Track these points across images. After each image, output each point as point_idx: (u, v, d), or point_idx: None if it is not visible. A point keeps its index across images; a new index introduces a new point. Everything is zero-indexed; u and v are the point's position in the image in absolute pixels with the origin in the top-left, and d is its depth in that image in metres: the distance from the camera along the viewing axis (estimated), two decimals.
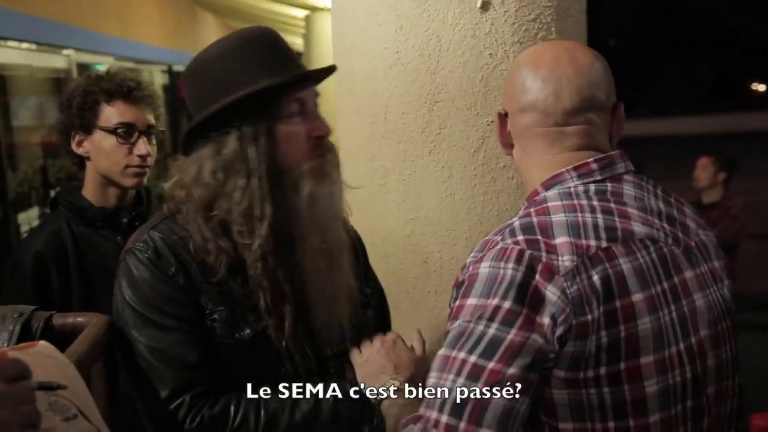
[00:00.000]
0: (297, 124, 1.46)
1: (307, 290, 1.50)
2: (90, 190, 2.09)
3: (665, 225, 1.27)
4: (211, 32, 13.07)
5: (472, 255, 1.26)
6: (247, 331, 1.45)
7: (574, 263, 1.16)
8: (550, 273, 1.16)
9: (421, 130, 1.94)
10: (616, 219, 1.22)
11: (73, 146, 2.06)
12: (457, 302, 1.20)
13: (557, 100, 1.30)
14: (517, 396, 1.12)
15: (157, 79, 9.90)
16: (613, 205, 1.24)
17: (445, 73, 1.91)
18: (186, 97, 1.53)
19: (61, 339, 1.34)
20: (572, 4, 1.97)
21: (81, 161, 2.09)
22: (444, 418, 1.12)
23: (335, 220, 1.53)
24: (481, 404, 1.11)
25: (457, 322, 1.18)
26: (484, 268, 1.19)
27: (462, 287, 1.21)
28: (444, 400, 1.13)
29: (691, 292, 1.24)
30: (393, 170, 1.98)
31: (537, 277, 1.15)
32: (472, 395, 1.11)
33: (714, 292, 1.29)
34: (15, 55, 5.24)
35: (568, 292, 1.15)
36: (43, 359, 1.17)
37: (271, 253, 1.44)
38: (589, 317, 1.15)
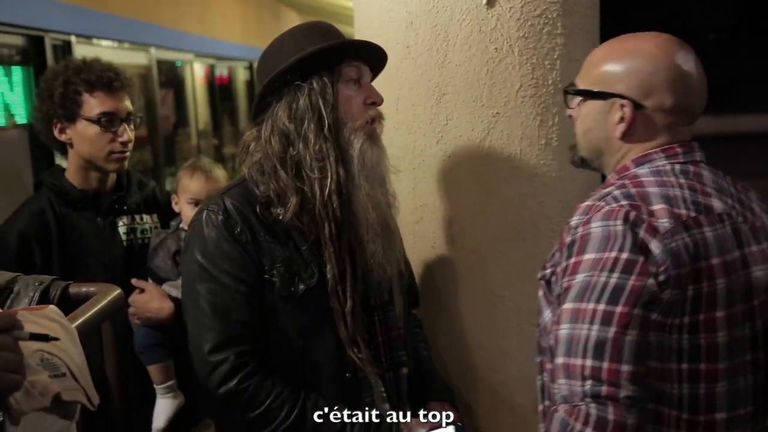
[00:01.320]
0: (354, 89, 1.71)
1: (361, 232, 1.69)
2: (73, 174, 2.23)
3: (736, 205, 1.44)
4: None
5: (575, 218, 1.42)
6: (301, 286, 1.64)
7: (672, 225, 1.34)
8: (654, 231, 1.34)
9: (429, 121, 2.03)
10: (699, 195, 1.40)
11: (56, 133, 2.19)
12: (572, 259, 1.37)
13: (700, 104, 1.49)
14: (644, 334, 1.31)
15: (239, 75, 10.25)
16: (696, 183, 1.42)
17: (452, 66, 1.99)
18: (259, 73, 1.76)
19: (76, 306, 1.50)
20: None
21: (63, 147, 2.23)
22: (588, 362, 1.30)
23: (381, 183, 1.73)
24: (618, 344, 1.30)
25: (579, 277, 1.35)
26: (596, 227, 1.36)
27: (574, 246, 1.38)
28: (584, 347, 1.31)
29: (752, 264, 1.40)
30: (403, 159, 2.07)
31: (642, 233, 1.33)
32: (609, 336, 1.29)
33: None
34: (100, 52, 5.57)
35: (668, 247, 1.32)
36: (49, 321, 1.31)
37: (339, 190, 1.65)
38: (683, 271, 1.32)
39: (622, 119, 1.47)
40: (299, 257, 1.66)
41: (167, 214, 2.37)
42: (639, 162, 1.47)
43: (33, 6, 4.43)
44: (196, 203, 2.21)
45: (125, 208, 2.30)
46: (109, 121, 2.18)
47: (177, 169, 7.07)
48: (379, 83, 2.10)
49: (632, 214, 1.35)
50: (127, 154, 2.24)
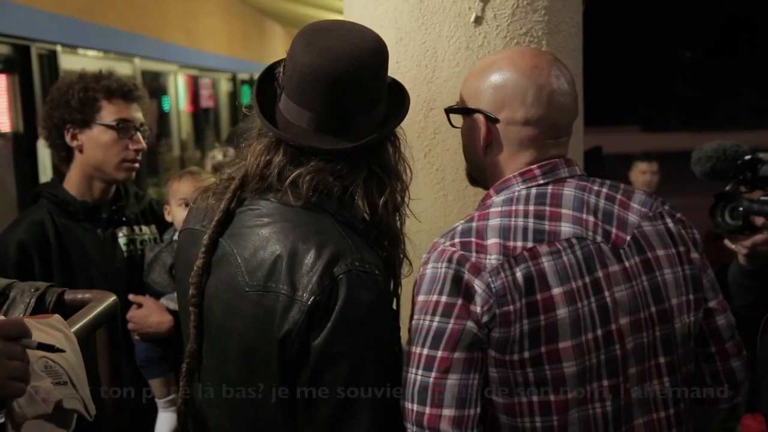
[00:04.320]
0: None
1: None
2: (73, 184, 2.26)
3: (599, 222, 1.41)
4: (278, 42, 13.43)
5: (423, 256, 1.44)
6: None
7: (500, 261, 1.33)
8: (477, 269, 1.34)
9: (417, 134, 2.08)
10: (546, 222, 1.38)
11: (67, 139, 2.23)
12: (413, 300, 1.40)
13: (561, 117, 1.46)
14: (466, 376, 1.32)
15: (222, 86, 10.27)
16: (547, 208, 1.40)
17: (440, 82, 2.05)
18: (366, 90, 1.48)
19: (72, 312, 1.53)
20: (564, 18, 2.08)
21: (69, 154, 2.25)
22: (414, 407, 1.32)
23: None
24: (439, 389, 1.31)
25: (414, 320, 1.38)
26: (429, 269, 1.38)
27: (416, 285, 1.41)
28: (411, 391, 1.33)
29: (612, 285, 1.38)
30: None
31: (467, 273, 1.33)
32: (431, 381, 1.31)
33: (643, 282, 1.41)
34: (85, 62, 5.59)
35: (492, 286, 1.32)
36: (54, 331, 1.34)
37: None
38: (512, 308, 1.31)
39: (482, 134, 1.47)
40: None
41: (163, 227, 2.40)
42: (498, 189, 1.47)
43: (19, 15, 4.45)
44: (187, 204, 2.25)
45: (124, 219, 2.33)
46: (125, 127, 2.24)
47: (159, 179, 7.10)
48: None
49: (457, 255, 1.35)
50: (137, 164, 2.29)
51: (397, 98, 1.58)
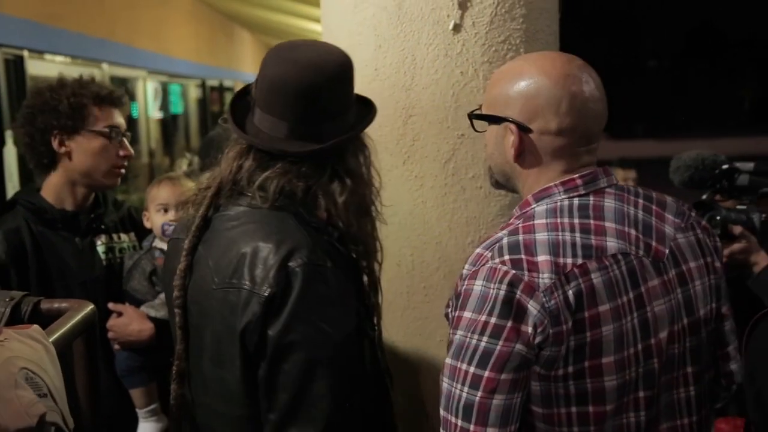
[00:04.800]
0: None
1: None
2: (51, 192, 2.22)
3: (640, 235, 1.41)
4: (247, 49, 13.38)
5: (466, 267, 1.42)
6: None
7: (552, 281, 1.32)
8: (531, 289, 1.32)
9: (396, 141, 2.08)
10: (592, 237, 1.37)
11: (54, 145, 2.18)
12: (456, 312, 1.38)
13: (593, 125, 1.44)
14: (511, 396, 1.32)
15: (191, 92, 10.20)
16: (591, 222, 1.39)
17: (419, 89, 2.05)
18: (324, 97, 1.58)
19: (48, 322, 1.50)
20: (542, 27, 2.09)
21: (52, 161, 2.21)
22: (459, 422, 1.33)
23: None
24: (484, 408, 1.31)
25: (458, 334, 1.36)
26: (477, 286, 1.35)
27: (459, 299, 1.39)
28: (457, 406, 1.33)
29: (653, 299, 1.38)
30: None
31: (519, 293, 1.32)
32: (476, 400, 1.31)
33: (678, 294, 1.43)
34: (52, 68, 5.51)
35: (546, 306, 1.31)
36: (33, 341, 1.31)
37: None
38: (564, 327, 1.31)
39: (513, 143, 1.45)
40: None
41: (142, 235, 2.37)
42: (538, 197, 1.44)
43: None
44: (166, 210, 2.23)
45: (103, 227, 2.29)
46: (114, 134, 2.21)
47: (128, 186, 7.01)
48: None
49: (510, 276, 1.33)
50: (125, 169, 2.27)
51: (365, 110, 1.69)
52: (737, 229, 2.16)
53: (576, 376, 1.34)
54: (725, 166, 2.29)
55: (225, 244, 1.53)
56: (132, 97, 7.67)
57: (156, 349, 2.12)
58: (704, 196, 2.30)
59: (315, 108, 1.55)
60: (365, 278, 1.72)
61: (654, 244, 1.42)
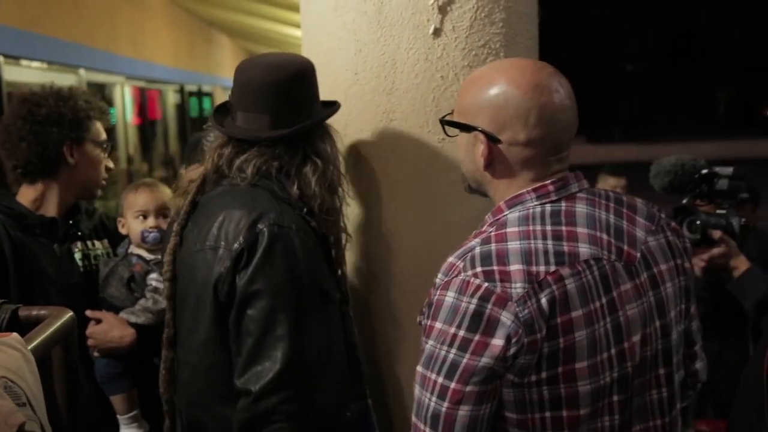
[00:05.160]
0: None
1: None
2: (30, 198, 2.21)
3: (612, 240, 1.40)
4: (226, 54, 13.34)
5: (439, 276, 1.41)
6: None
7: (526, 290, 1.31)
8: (504, 301, 1.31)
9: (376, 145, 2.08)
10: (564, 243, 1.36)
11: (66, 155, 2.20)
12: (429, 321, 1.39)
13: (563, 134, 1.43)
14: (477, 408, 1.33)
15: (169, 98, 10.15)
16: (563, 228, 1.38)
17: (399, 93, 2.05)
18: (281, 93, 1.82)
19: (27, 330, 1.48)
20: (521, 31, 2.10)
21: (54, 169, 2.21)
22: (426, 429, 1.35)
23: None
24: (450, 418, 1.33)
25: (429, 343, 1.37)
26: (449, 297, 1.35)
27: (431, 308, 1.39)
28: (425, 414, 1.35)
29: (625, 303, 1.38)
30: (351, 183, 2.11)
31: (490, 306, 1.31)
32: (443, 411, 1.33)
33: (650, 297, 1.43)
34: (28, 73, 5.46)
35: (520, 315, 1.30)
36: (12, 350, 1.30)
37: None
38: (538, 336, 1.31)
39: (483, 153, 1.44)
40: None
41: (115, 242, 2.36)
42: (511, 204, 1.44)
43: None
44: (145, 216, 2.22)
45: (79, 233, 2.29)
46: (108, 146, 2.31)
47: (106, 193, 6.96)
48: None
49: (482, 290, 1.32)
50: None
51: (331, 106, 1.96)
52: (716, 234, 2.18)
53: (549, 382, 1.34)
54: (704, 171, 2.31)
55: (206, 215, 1.76)
56: (109, 104, 7.63)
57: (137, 355, 2.10)
58: (684, 201, 2.33)
59: (286, 99, 1.80)
60: (333, 252, 1.92)
61: (626, 248, 1.42)
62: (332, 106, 1.96)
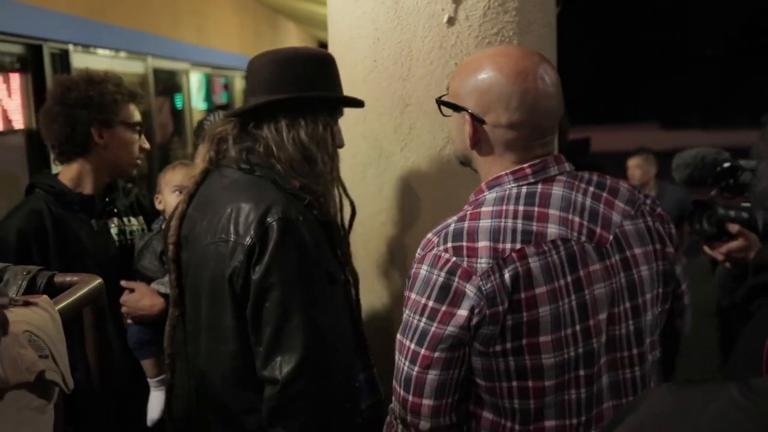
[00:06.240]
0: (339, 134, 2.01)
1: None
2: (70, 177, 2.38)
3: (584, 222, 1.48)
4: (292, 40, 13.54)
5: (418, 251, 1.53)
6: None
7: (490, 265, 1.41)
8: (468, 275, 1.41)
9: (394, 129, 2.19)
10: (534, 223, 1.45)
11: (95, 136, 2.35)
12: (406, 293, 1.51)
13: (545, 120, 1.51)
14: (446, 372, 1.45)
15: (236, 84, 10.41)
16: (535, 209, 1.47)
17: (415, 79, 2.15)
18: (271, 77, 1.90)
19: (60, 293, 1.65)
20: (535, 19, 2.17)
21: (86, 149, 2.37)
22: (401, 392, 1.48)
23: None
24: (420, 381, 1.45)
25: (405, 312, 1.50)
26: (423, 270, 1.47)
27: (409, 281, 1.51)
28: (400, 377, 1.48)
29: (593, 282, 1.46)
30: (370, 165, 2.23)
31: (456, 280, 1.42)
32: (414, 374, 1.45)
33: (621, 279, 1.49)
34: (97, 61, 5.73)
35: (483, 289, 1.40)
36: (40, 310, 1.46)
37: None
38: (500, 308, 1.40)
39: (469, 132, 1.53)
40: None
41: (149, 219, 2.53)
42: (490, 185, 1.53)
43: (32, 16, 4.59)
44: (181, 192, 2.38)
45: (115, 210, 2.46)
46: (141, 128, 2.42)
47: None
48: (349, 94, 2.27)
49: (450, 264, 1.42)
50: (140, 161, 2.48)
51: (349, 99, 1.99)
52: (734, 228, 2.19)
53: (515, 353, 1.43)
54: (727, 164, 2.30)
55: (215, 208, 1.82)
56: (177, 89, 7.91)
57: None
58: (712, 193, 2.33)
59: (285, 73, 1.87)
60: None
61: (598, 230, 1.48)
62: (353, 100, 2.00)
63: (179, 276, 1.93)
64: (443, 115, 1.65)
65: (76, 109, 2.33)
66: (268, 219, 1.73)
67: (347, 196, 2.06)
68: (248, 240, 1.72)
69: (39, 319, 1.40)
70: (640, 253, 1.52)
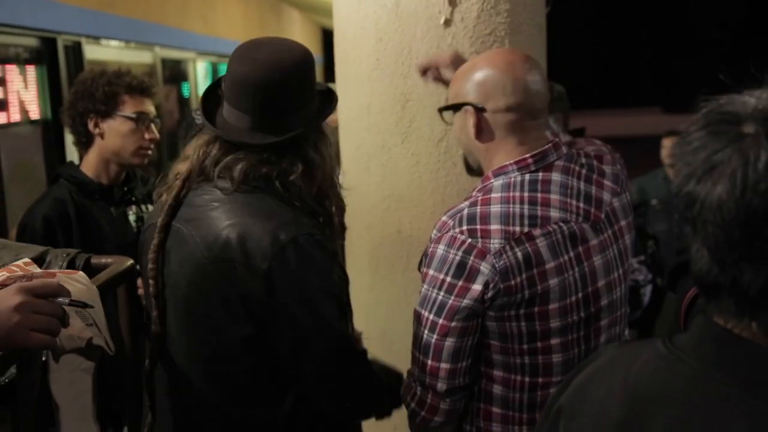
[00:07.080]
0: None
1: None
2: (90, 167, 2.57)
3: (581, 204, 1.69)
4: (295, 28, 13.68)
5: (434, 232, 1.71)
6: None
7: (502, 245, 1.61)
8: (483, 254, 1.61)
9: (395, 123, 2.37)
10: (538, 208, 1.65)
11: (90, 126, 2.52)
12: (424, 269, 1.70)
13: (536, 101, 1.71)
14: (461, 340, 1.65)
15: None
16: (539, 195, 1.67)
17: (415, 77, 2.31)
18: (295, 88, 1.69)
19: (97, 274, 1.84)
20: (525, 20, 2.35)
21: (89, 140, 2.55)
22: (421, 357, 1.69)
23: None
24: (439, 347, 1.66)
25: (424, 287, 1.69)
26: (440, 249, 1.65)
27: (427, 258, 1.69)
28: (420, 345, 1.69)
29: (591, 255, 1.68)
30: (374, 156, 2.42)
31: (472, 258, 1.61)
32: (433, 341, 1.66)
33: (614, 249, 1.73)
34: (108, 52, 5.91)
35: (496, 266, 1.60)
36: (78, 284, 1.65)
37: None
38: (513, 282, 1.61)
39: (473, 123, 1.70)
40: None
41: None
42: (496, 174, 1.70)
43: (46, 10, 4.76)
44: None
45: (133, 198, 2.64)
46: (142, 119, 2.53)
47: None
48: (353, 90, 2.46)
49: (466, 244, 1.60)
50: (150, 151, 2.59)
51: (327, 101, 1.81)
52: None
53: (527, 318, 1.64)
54: None
55: (210, 222, 1.67)
56: (183, 78, 8.08)
57: None
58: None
59: (275, 103, 1.68)
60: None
61: (593, 210, 1.70)
62: (328, 100, 1.82)
63: (163, 313, 1.76)
64: (446, 123, 1.83)
65: (78, 102, 2.51)
66: (282, 237, 1.62)
67: (339, 198, 1.87)
68: (263, 263, 1.61)
69: (80, 292, 1.59)
70: (624, 225, 1.76)
